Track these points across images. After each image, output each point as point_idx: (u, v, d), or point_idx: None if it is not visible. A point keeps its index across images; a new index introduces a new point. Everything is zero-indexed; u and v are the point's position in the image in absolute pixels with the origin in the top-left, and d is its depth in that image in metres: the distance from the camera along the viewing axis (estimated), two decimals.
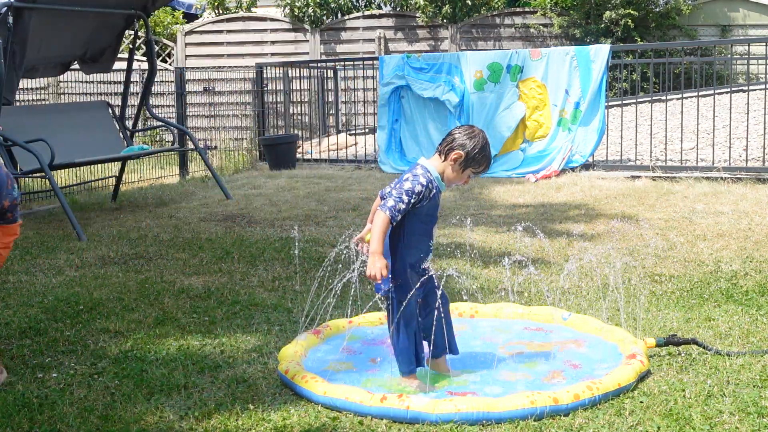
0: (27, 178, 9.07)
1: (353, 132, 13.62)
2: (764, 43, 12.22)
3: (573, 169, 10.22)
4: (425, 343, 3.84)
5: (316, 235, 6.97)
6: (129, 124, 9.80)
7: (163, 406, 3.53)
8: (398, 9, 17.58)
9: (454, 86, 10.95)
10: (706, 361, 3.87)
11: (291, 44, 17.11)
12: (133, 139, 9.48)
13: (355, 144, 12.99)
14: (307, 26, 17.03)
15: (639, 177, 9.62)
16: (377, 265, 3.55)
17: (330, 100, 14.39)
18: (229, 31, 17.31)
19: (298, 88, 13.81)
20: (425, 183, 3.68)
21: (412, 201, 3.64)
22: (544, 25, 16.17)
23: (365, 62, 12.60)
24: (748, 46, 11.10)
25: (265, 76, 13.06)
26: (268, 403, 3.54)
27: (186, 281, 5.63)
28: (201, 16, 19.62)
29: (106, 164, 10.38)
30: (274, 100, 13.85)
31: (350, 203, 8.52)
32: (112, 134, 9.26)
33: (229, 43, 17.26)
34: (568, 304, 4.85)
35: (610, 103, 11.66)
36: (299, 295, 5.07)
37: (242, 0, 18.51)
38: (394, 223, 3.66)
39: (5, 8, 7.74)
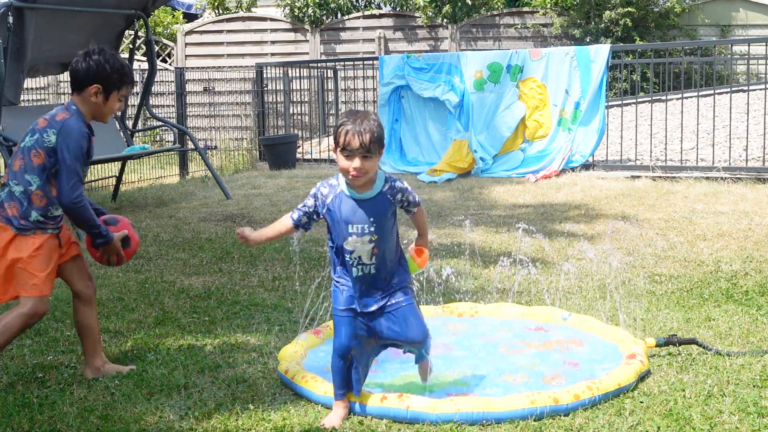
0: None
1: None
2: (764, 43, 12.22)
3: (573, 169, 10.21)
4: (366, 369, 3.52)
5: (316, 235, 6.97)
6: (129, 124, 9.80)
7: (163, 406, 3.53)
8: (398, 9, 17.58)
9: (454, 86, 10.95)
10: (706, 361, 3.87)
11: (291, 44, 17.11)
12: (133, 139, 9.48)
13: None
14: (307, 26, 17.03)
15: (639, 177, 9.62)
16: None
17: (330, 100, 14.38)
18: (229, 31, 17.31)
19: (298, 88, 13.81)
20: (314, 191, 3.46)
21: (307, 204, 3.45)
22: (544, 25, 16.17)
23: (365, 62, 12.60)
24: (748, 46, 11.08)
25: (265, 76, 13.06)
26: (268, 403, 3.55)
27: (186, 281, 5.63)
28: (201, 16, 19.62)
29: (106, 164, 10.37)
30: (274, 100, 13.85)
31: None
32: (112, 134, 9.26)
33: (229, 43, 17.26)
34: (568, 304, 4.86)
35: (610, 103, 11.66)
36: (299, 295, 5.07)
37: (242, 0, 18.51)
38: (299, 228, 3.49)
39: (5, 8, 7.74)
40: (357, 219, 3.32)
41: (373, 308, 3.39)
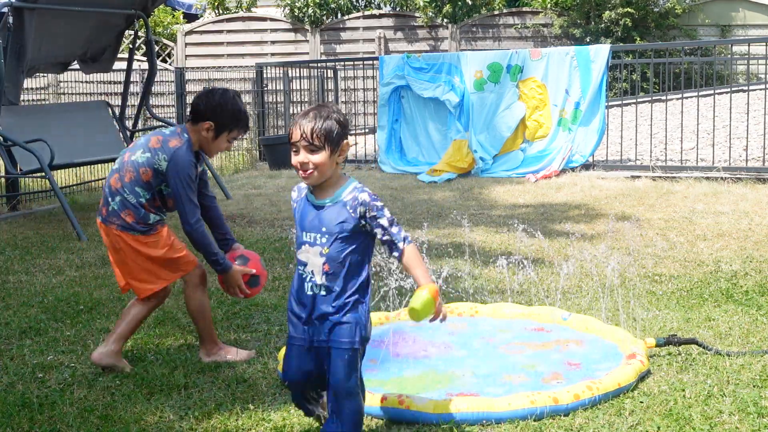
0: (27, 178, 9.07)
1: (353, 132, 13.62)
2: (764, 43, 12.22)
3: (573, 169, 10.21)
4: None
5: None
6: (129, 124, 9.80)
7: (163, 406, 3.53)
8: (398, 9, 17.58)
9: (454, 86, 10.95)
10: (706, 361, 3.87)
11: (291, 44, 17.11)
12: (133, 139, 9.48)
13: (355, 144, 12.97)
14: (307, 26, 17.03)
15: (639, 177, 9.62)
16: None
17: (330, 100, 14.38)
18: (229, 31, 17.31)
19: (298, 88, 13.81)
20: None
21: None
22: (544, 25, 16.17)
23: (365, 62, 12.60)
24: (748, 46, 11.08)
25: (265, 76, 13.06)
26: (268, 403, 3.54)
27: None
28: (201, 17, 19.62)
29: (106, 164, 10.37)
30: (274, 100, 13.85)
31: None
32: (112, 134, 9.26)
33: (229, 43, 17.26)
34: (568, 304, 4.86)
35: (610, 103, 11.66)
36: None
37: (242, 0, 18.51)
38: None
39: (6, 8, 7.74)
40: (310, 226, 2.96)
41: (321, 339, 2.97)
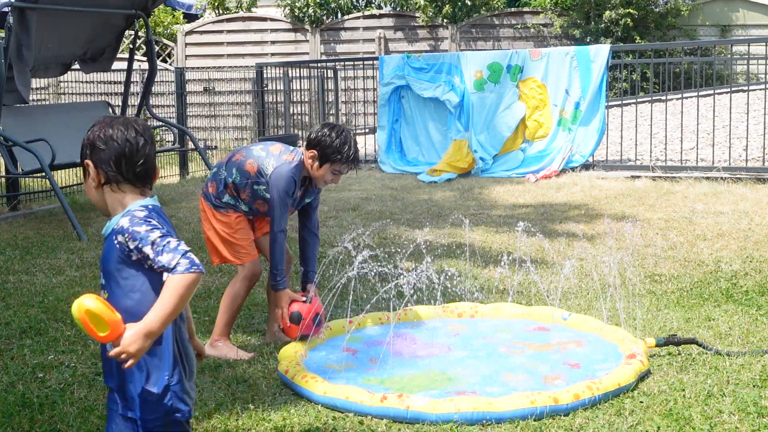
0: (27, 178, 9.08)
1: (353, 132, 13.61)
2: (764, 43, 12.21)
3: (573, 169, 10.22)
4: None
5: None
6: None
7: None
8: (398, 9, 17.58)
9: (454, 86, 10.95)
10: (706, 361, 3.87)
11: (291, 44, 17.11)
12: None
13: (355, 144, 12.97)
14: (307, 26, 17.03)
15: (639, 177, 9.62)
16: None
17: (330, 100, 14.39)
18: (229, 31, 17.31)
19: (298, 88, 13.81)
20: None
21: None
22: (544, 25, 16.17)
23: (365, 62, 12.60)
24: (748, 46, 11.08)
25: (265, 76, 13.05)
26: (268, 403, 3.55)
27: None
28: (201, 17, 19.62)
29: None
30: (274, 100, 13.85)
31: (350, 203, 8.52)
32: None
33: (229, 43, 17.25)
34: (568, 304, 4.86)
35: (610, 103, 11.66)
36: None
37: (242, 0, 18.51)
38: None
39: (6, 8, 7.75)
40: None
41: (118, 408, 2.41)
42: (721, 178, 9.17)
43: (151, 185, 2.46)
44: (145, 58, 14.35)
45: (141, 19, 9.29)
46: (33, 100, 14.82)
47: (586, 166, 10.27)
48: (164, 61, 17.90)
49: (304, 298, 4.25)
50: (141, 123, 2.46)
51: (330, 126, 4.22)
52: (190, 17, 20.39)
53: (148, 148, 2.41)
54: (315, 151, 4.14)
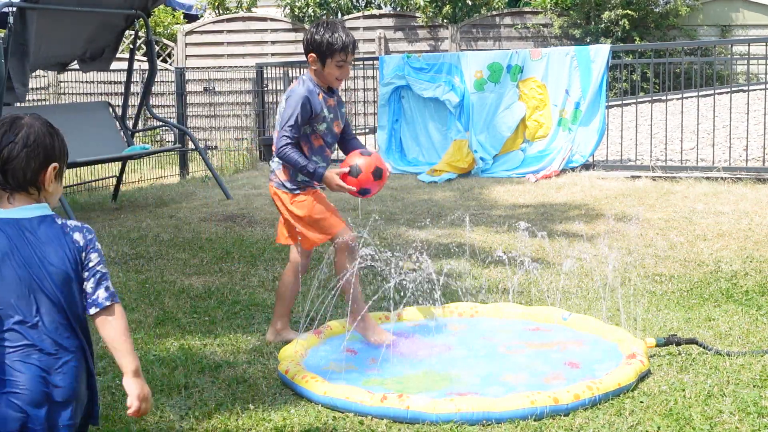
0: None
1: (354, 131, 13.59)
2: (764, 43, 12.21)
3: (573, 169, 10.21)
4: None
5: None
6: (129, 124, 9.80)
7: (164, 405, 3.53)
8: (398, 9, 17.58)
9: (455, 86, 10.94)
10: (706, 361, 3.87)
11: (291, 44, 17.10)
12: (134, 139, 9.48)
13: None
14: (307, 26, 17.02)
15: (639, 177, 9.62)
16: None
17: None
18: (229, 31, 17.31)
19: None
20: None
21: None
22: (544, 25, 16.17)
23: (365, 62, 12.60)
24: (748, 46, 11.07)
25: (265, 76, 13.05)
26: (268, 403, 3.55)
27: (186, 281, 5.63)
28: (201, 17, 19.62)
29: (107, 164, 10.38)
30: (275, 100, 13.84)
31: (350, 203, 8.52)
32: (112, 134, 9.26)
33: (229, 43, 17.25)
34: (568, 304, 4.86)
35: (610, 103, 11.66)
36: (299, 295, 5.07)
37: (242, 0, 18.51)
38: None
39: (6, 8, 7.75)
40: None
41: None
42: (721, 178, 9.17)
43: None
44: (145, 58, 14.34)
45: (141, 19, 9.29)
46: (33, 100, 14.82)
47: (586, 166, 10.26)
48: (164, 61, 17.90)
49: (348, 167, 4.16)
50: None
51: (315, 24, 4.19)
52: (190, 17, 20.39)
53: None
54: (313, 54, 4.12)
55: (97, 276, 2.38)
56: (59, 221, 2.41)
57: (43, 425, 2.29)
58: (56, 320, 2.34)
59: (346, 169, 4.17)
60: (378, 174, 4.18)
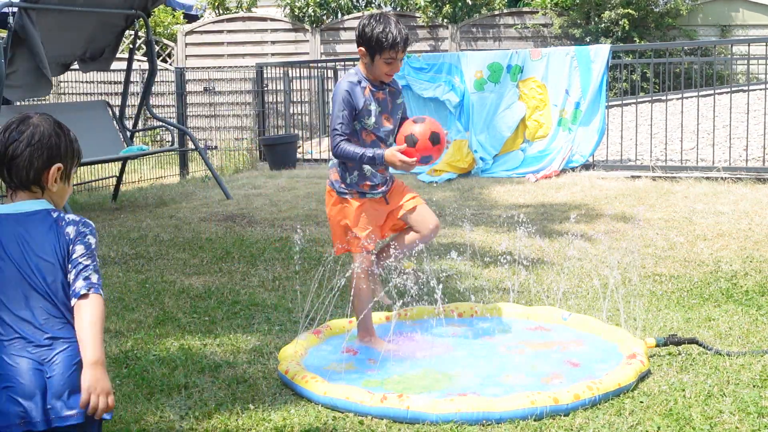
0: None
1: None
2: (764, 43, 12.22)
3: (573, 169, 10.21)
4: None
5: (316, 235, 6.97)
6: (129, 124, 9.80)
7: (164, 405, 3.53)
8: (398, 9, 17.58)
9: (455, 86, 10.95)
10: (706, 361, 3.87)
11: (291, 44, 17.11)
12: (133, 139, 9.48)
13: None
14: (307, 26, 17.03)
15: (639, 177, 9.62)
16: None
17: (330, 100, 14.38)
18: (229, 31, 17.31)
19: (299, 88, 13.81)
20: None
21: None
22: (544, 25, 16.17)
23: None
24: (748, 46, 11.08)
25: (265, 76, 13.05)
26: (268, 403, 3.55)
27: (186, 281, 5.63)
28: (201, 17, 19.62)
29: (106, 164, 10.38)
30: (275, 100, 13.85)
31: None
32: (112, 134, 9.26)
33: (229, 43, 17.25)
34: (568, 304, 4.86)
35: (610, 103, 11.66)
36: (299, 295, 5.07)
37: (242, 0, 18.51)
38: None
39: (6, 8, 7.75)
40: None
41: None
42: (721, 178, 9.17)
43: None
44: (145, 58, 14.35)
45: (141, 19, 9.29)
46: (33, 100, 14.83)
47: (587, 166, 10.27)
48: (164, 61, 17.90)
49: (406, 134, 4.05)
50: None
51: (369, 16, 4.09)
52: (190, 17, 20.39)
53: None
54: (362, 48, 4.06)
55: (79, 267, 2.37)
56: (55, 215, 2.42)
57: (41, 417, 2.29)
58: (47, 312, 2.34)
59: (404, 146, 4.01)
60: (435, 139, 4.01)
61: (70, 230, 2.40)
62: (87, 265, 2.38)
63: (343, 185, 4.16)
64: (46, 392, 2.29)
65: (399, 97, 4.27)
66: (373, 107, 4.10)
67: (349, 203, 4.15)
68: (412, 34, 16.64)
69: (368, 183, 4.16)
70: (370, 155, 4.01)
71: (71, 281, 2.37)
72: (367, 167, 4.12)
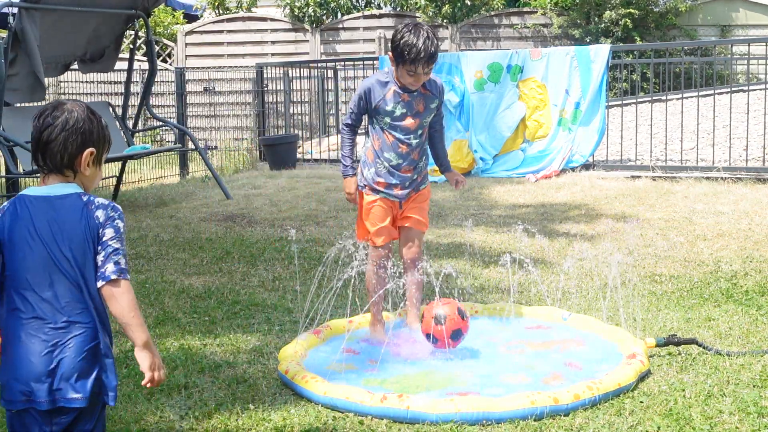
0: (28, 178, 9.07)
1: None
2: (764, 43, 12.21)
3: (573, 169, 10.21)
4: None
5: (316, 235, 6.97)
6: (129, 124, 9.80)
7: (164, 406, 3.53)
8: (398, 9, 17.58)
9: (454, 86, 10.94)
10: (706, 361, 3.87)
11: (291, 44, 17.11)
12: (134, 139, 9.48)
13: (356, 144, 12.95)
14: (307, 26, 17.03)
15: (639, 177, 9.62)
16: None
17: (330, 100, 14.38)
18: (229, 31, 17.31)
19: (298, 88, 13.81)
20: None
21: None
22: (544, 25, 16.17)
23: (365, 62, 12.59)
24: (748, 46, 11.08)
25: (265, 76, 13.05)
26: (268, 403, 3.55)
27: (186, 281, 5.63)
28: (201, 17, 19.63)
29: (106, 164, 10.36)
30: (275, 100, 13.85)
31: (350, 203, 8.52)
32: (115, 135, 9.26)
33: (229, 43, 17.25)
34: (568, 304, 4.86)
35: (610, 103, 11.66)
36: (299, 295, 5.07)
37: (242, 0, 18.51)
38: None
39: (6, 8, 7.75)
40: None
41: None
42: (721, 178, 9.17)
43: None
44: (145, 58, 14.34)
45: (141, 19, 9.29)
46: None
47: (586, 166, 10.27)
48: (164, 61, 17.90)
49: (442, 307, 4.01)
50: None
51: (404, 24, 4.11)
52: (190, 17, 20.39)
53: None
54: (390, 53, 4.13)
55: (109, 250, 2.41)
56: (85, 198, 2.46)
57: (47, 397, 2.35)
58: (69, 296, 2.39)
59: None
60: (455, 336, 3.99)
61: (100, 214, 2.43)
62: (117, 249, 2.42)
63: (362, 177, 4.31)
64: (55, 374, 2.35)
65: (433, 101, 4.25)
66: (397, 108, 4.17)
67: (363, 196, 4.31)
68: None
69: (382, 181, 4.25)
70: (344, 163, 4.31)
71: (100, 263, 2.41)
72: (382, 166, 4.24)
